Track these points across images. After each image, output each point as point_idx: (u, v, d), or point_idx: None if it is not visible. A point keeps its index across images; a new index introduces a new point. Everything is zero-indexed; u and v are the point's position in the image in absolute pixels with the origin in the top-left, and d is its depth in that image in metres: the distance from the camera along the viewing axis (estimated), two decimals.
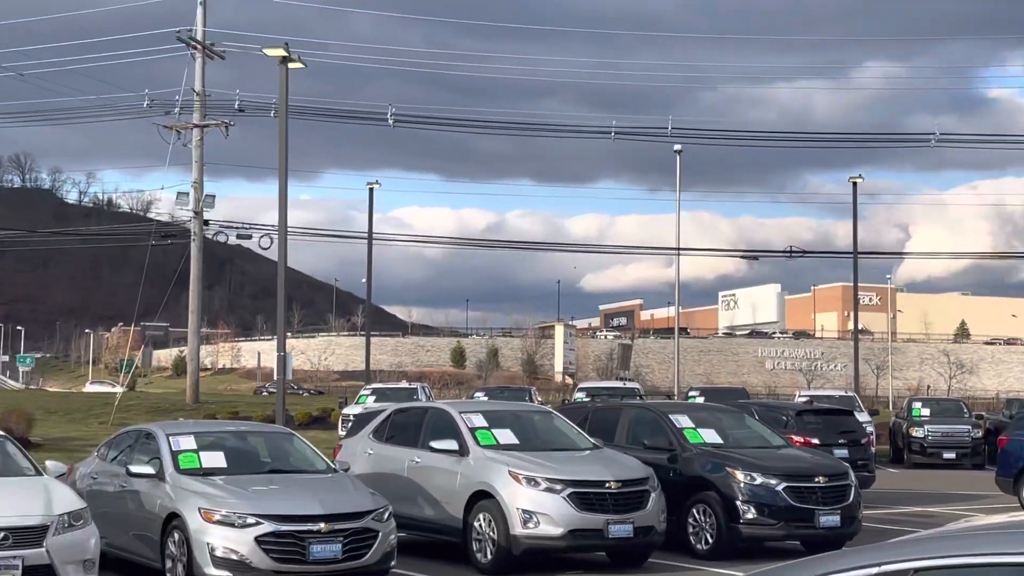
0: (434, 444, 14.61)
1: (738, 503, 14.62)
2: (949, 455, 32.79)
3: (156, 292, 56.93)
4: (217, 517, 11.80)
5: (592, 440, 15.25)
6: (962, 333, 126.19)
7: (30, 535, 11.00)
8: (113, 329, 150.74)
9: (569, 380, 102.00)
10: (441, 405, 16.21)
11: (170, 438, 13.27)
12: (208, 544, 11.75)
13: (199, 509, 11.93)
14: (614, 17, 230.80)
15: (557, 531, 13.39)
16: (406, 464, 15.04)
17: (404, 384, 43.85)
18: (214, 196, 48.72)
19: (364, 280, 60.17)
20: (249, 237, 48.87)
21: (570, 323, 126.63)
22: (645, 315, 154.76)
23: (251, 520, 11.72)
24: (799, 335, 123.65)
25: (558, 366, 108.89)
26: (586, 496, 13.54)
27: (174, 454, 12.98)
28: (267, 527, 11.68)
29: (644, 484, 14.08)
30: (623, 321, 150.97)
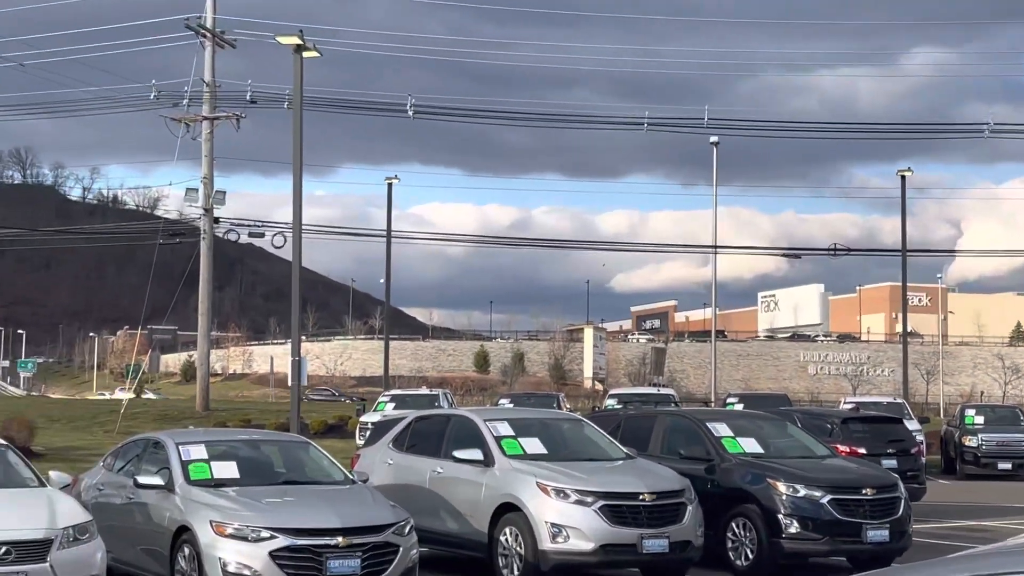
0: (457, 454, 14.62)
1: (780, 516, 14.56)
2: (1004, 465, 32.60)
3: (164, 293, 57.23)
4: (229, 531, 11.84)
5: (625, 449, 15.23)
6: (1018, 335, 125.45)
7: (33, 550, 11.06)
8: (118, 332, 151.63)
9: (599, 386, 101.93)
10: (465, 412, 16.22)
11: (180, 447, 13.32)
12: (220, 559, 11.79)
13: (210, 522, 11.97)
14: (647, 1, 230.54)
15: (588, 546, 13.37)
16: (428, 475, 15.06)
17: (425, 390, 43.88)
18: (225, 192, 48.93)
19: (382, 280, 60.44)
20: (261, 235, 49.05)
21: (600, 326, 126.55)
22: (680, 317, 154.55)
23: (265, 534, 11.74)
24: (844, 338, 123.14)
25: (587, 371, 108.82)
26: (619, 509, 13.52)
27: (184, 464, 13.03)
28: (282, 541, 11.71)
29: (680, 496, 14.05)
30: (656, 324, 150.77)
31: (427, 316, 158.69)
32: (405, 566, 12.26)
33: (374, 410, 35.78)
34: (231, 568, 11.75)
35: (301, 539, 11.75)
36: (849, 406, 32.33)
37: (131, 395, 51.85)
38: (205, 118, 48.16)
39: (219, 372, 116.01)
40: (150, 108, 49.86)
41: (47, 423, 42.36)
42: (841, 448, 18.96)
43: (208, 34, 47.82)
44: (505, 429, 14.85)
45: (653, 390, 43.63)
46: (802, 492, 14.64)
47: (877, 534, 14.70)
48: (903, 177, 47.44)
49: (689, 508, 14.01)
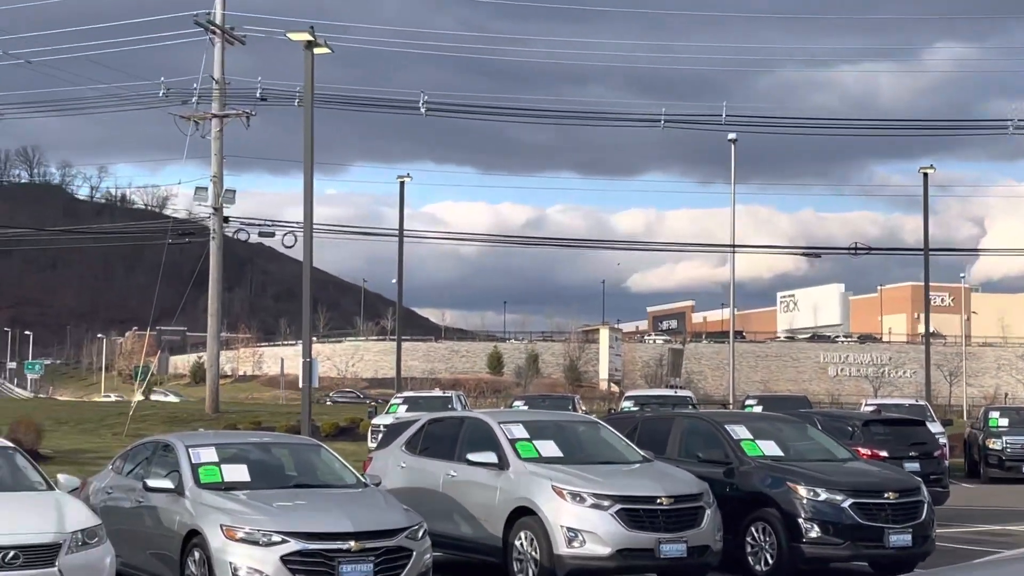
0: (471, 457, 14.62)
1: (800, 521, 14.53)
2: None
3: (173, 294, 57.42)
4: (240, 535, 11.85)
5: (642, 452, 15.22)
6: None
7: (42, 554, 11.10)
8: (127, 334, 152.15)
9: (615, 388, 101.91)
10: (479, 415, 16.22)
11: (190, 450, 13.35)
12: (231, 564, 11.81)
13: (221, 526, 11.99)
14: None
15: (604, 551, 13.37)
16: (441, 478, 15.07)
17: (438, 392, 43.95)
18: (234, 191, 49.06)
19: (394, 280, 60.57)
20: (272, 235, 49.08)
21: (616, 326, 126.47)
22: (697, 317, 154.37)
23: (276, 538, 11.76)
24: (865, 339, 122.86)
25: (603, 373, 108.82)
26: (636, 513, 13.51)
27: (194, 467, 13.05)
28: (293, 545, 11.72)
29: (698, 500, 14.04)
30: (673, 324, 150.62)
31: (440, 317, 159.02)
32: (419, 571, 12.26)
33: (386, 412, 35.83)
34: (242, 573, 11.76)
35: (313, 543, 11.77)
36: (870, 408, 32.28)
37: (140, 397, 51.87)
38: (215, 116, 48.27)
39: (229, 374, 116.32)
40: (159, 106, 50.04)
41: (55, 425, 42.49)
42: (862, 451, 18.93)
43: (217, 30, 47.93)
44: (520, 432, 14.85)
45: (670, 392, 43.61)
46: (823, 496, 14.61)
47: (900, 539, 14.66)
48: (925, 175, 47.33)
49: (707, 512, 13.99)
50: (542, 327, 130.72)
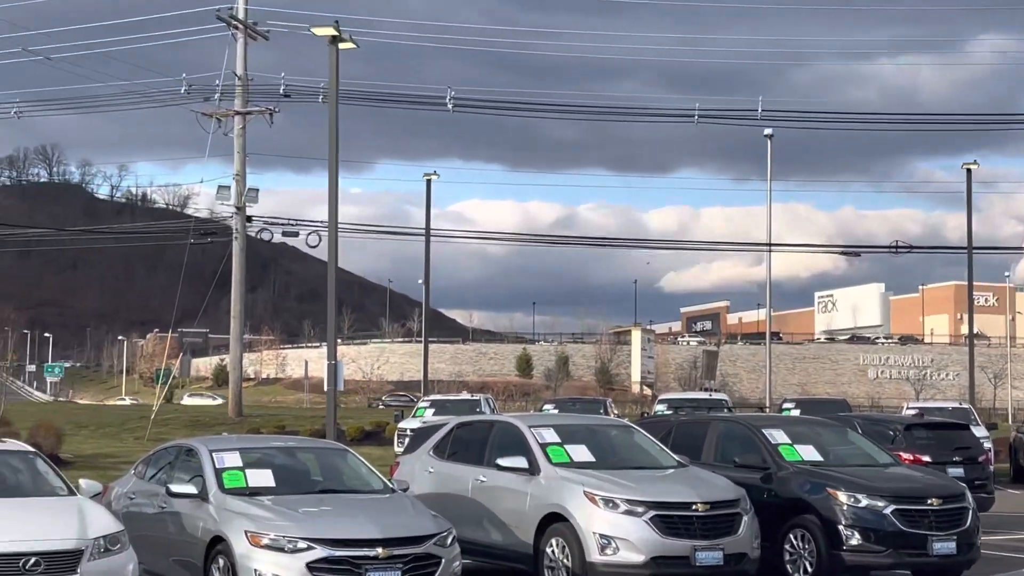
0: (501, 462, 14.62)
1: (841, 528, 14.47)
2: None
3: (194, 295, 57.66)
4: (265, 541, 11.89)
5: (676, 457, 15.19)
6: None
7: (64, 561, 11.15)
8: (148, 336, 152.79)
9: (648, 391, 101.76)
10: (509, 419, 16.21)
11: (213, 454, 13.41)
12: (255, 571, 11.85)
13: (246, 532, 12.03)
14: None
15: (638, 558, 13.34)
16: (470, 483, 15.08)
17: (465, 395, 43.99)
18: (257, 190, 49.16)
19: (421, 281, 60.69)
20: (296, 234, 49.20)
21: (648, 327, 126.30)
22: (732, 318, 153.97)
23: (302, 544, 11.79)
24: (906, 340, 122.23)
25: (635, 375, 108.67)
26: (671, 519, 13.48)
27: (218, 472, 13.11)
28: (320, 552, 11.75)
29: (735, 506, 14.00)
30: (707, 325, 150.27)
31: (467, 318, 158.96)
32: None
33: (413, 416, 35.89)
34: None
35: (339, 550, 11.79)
36: (912, 412, 32.11)
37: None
38: (237, 113, 48.42)
39: (252, 376, 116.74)
40: (180, 103, 50.19)
41: (75, 429, 42.76)
42: (904, 456, 18.84)
43: (240, 25, 48.09)
44: (551, 436, 14.84)
45: (705, 395, 43.54)
46: (864, 502, 14.55)
47: (943, 546, 14.57)
48: (968, 171, 47.04)
49: (745, 519, 13.95)
50: (572, 328, 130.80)
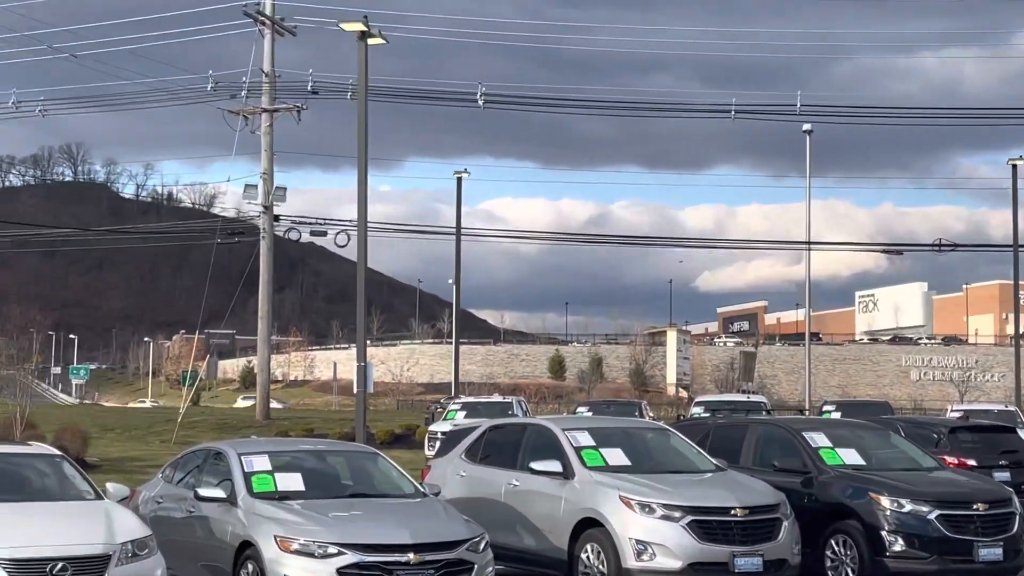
0: (535, 465, 14.63)
1: (884, 533, 14.42)
2: None
3: (221, 296, 57.96)
4: (295, 546, 11.94)
5: (714, 461, 15.17)
6: None
7: (91, 566, 11.22)
8: (174, 337, 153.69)
9: (683, 393, 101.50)
10: (542, 422, 16.24)
11: (242, 458, 13.46)
12: None
13: (275, 537, 12.08)
14: None
15: (675, 564, 13.33)
16: (503, 488, 15.09)
17: (497, 398, 44.04)
18: (285, 189, 49.31)
19: (451, 281, 60.71)
20: (324, 234, 49.37)
21: (684, 328, 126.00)
22: (770, 318, 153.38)
23: (332, 550, 11.82)
24: (949, 341, 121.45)
25: (671, 377, 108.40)
26: (709, 525, 13.47)
27: (247, 476, 13.16)
28: (350, 557, 11.78)
29: (775, 511, 13.97)
30: (745, 326, 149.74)
31: (498, 319, 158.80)
32: None
33: (444, 419, 35.95)
34: None
35: (370, 555, 11.82)
36: (957, 414, 31.91)
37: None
38: (264, 110, 48.59)
39: (279, 379, 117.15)
40: (207, 100, 50.44)
41: (101, 432, 43.04)
42: (949, 460, 18.71)
43: (267, 21, 48.26)
44: (585, 439, 14.84)
45: (742, 397, 43.43)
46: (908, 507, 14.48)
47: (989, 552, 14.50)
48: (1014, 166, 46.81)
49: (785, 524, 13.92)
50: (606, 329, 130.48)
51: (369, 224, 30.64)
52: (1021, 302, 52.75)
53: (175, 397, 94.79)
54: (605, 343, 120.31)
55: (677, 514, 13.43)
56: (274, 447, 14.97)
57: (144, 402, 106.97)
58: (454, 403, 39.09)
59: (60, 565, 11.05)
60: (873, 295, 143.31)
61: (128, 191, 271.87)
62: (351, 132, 30.16)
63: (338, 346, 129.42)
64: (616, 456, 14.66)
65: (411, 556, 11.86)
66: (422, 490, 13.82)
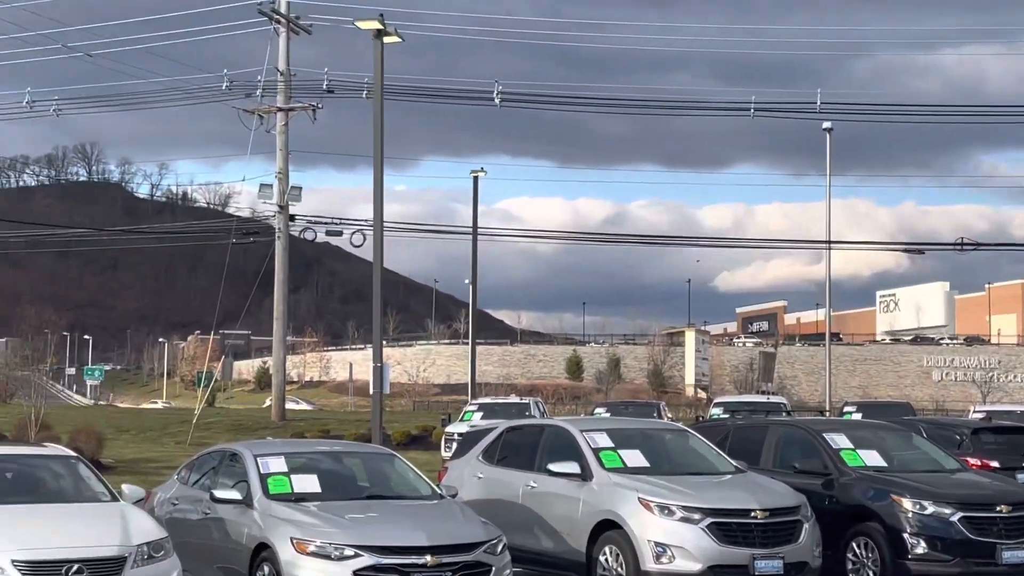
0: (552, 467, 14.64)
1: (906, 536, 14.39)
2: None
3: (236, 296, 58.04)
4: (311, 548, 11.96)
5: (734, 463, 15.15)
6: None
7: (107, 568, 11.26)
8: (189, 338, 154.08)
9: (702, 394, 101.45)
10: (560, 423, 16.24)
11: (258, 459, 13.50)
12: None
13: (291, 539, 12.11)
14: None
15: (695, 567, 13.32)
16: (521, 489, 15.10)
17: (514, 399, 44.04)
18: (300, 188, 49.36)
19: (467, 281, 60.64)
20: (339, 234, 49.43)
21: (703, 328, 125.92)
22: (790, 318, 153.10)
23: (349, 552, 11.84)
24: (972, 341, 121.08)
25: (689, 378, 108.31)
26: (728, 527, 13.45)
27: (263, 477, 13.19)
28: (367, 560, 11.80)
29: (796, 513, 13.95)
30: (764, 326, 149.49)
31: (515, 319, 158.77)
32: None
33: (460, 420, 35.97)
34: None
35: (387, 558, 11.83)
36: (980, 415, 31.83)
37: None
38: (280, 109, 48.68)
39: (295, 379, 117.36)
40: (222, 99, 50.55)
41: (115, 434, 43.14)
42: (972, 461, 18.66)
43: (282, 20, 48.35)
44: (604, 440, 14.85)
45: (762, 398, 43.40)
46: (930, 509, 14.45)
47: (1014, 555, 14.45)
48: None
49: (805, 526, 13.90)
50: (624, 329, 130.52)
51: (385, 224, 30.67)
52: None
53: (190, 398, 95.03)
54: (623, 343, 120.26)
55: (696, 516, 13.42)
56: (290, 448, 14.99)
57: (156, 403, 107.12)
58: (471, 404, 39.12)
59: (76, 567, 11.08)
60: (894, 295, 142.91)
61: (143, 191, 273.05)
62: (367, 131, 30.23)
63: (354, 347, 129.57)
64: (635, 457, 14.66)
65: (428, 558, 11.87)
66: (439, 492, 13.83)
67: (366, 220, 39.64)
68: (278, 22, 48.36)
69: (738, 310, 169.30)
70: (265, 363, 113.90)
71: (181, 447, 39.62)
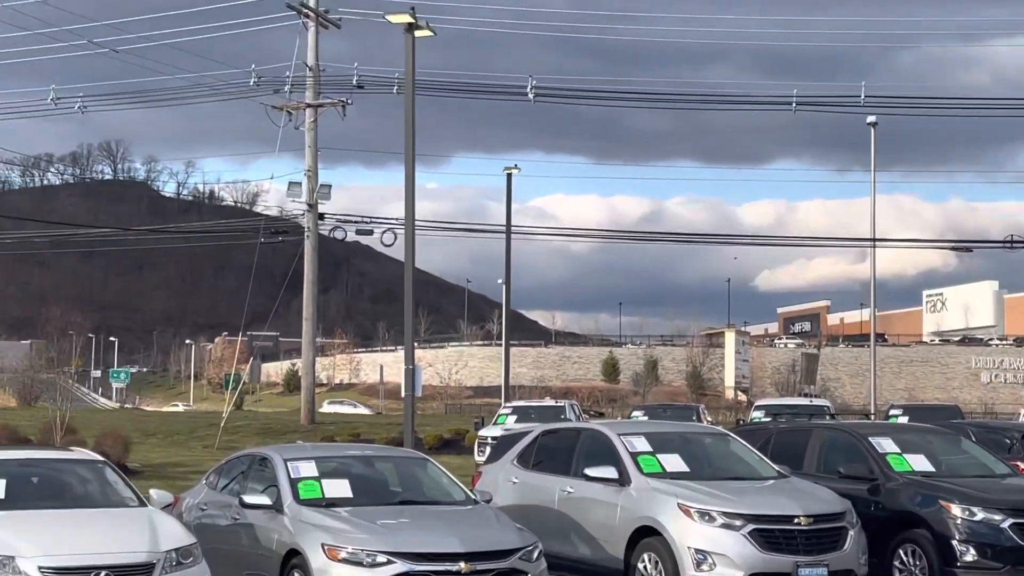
0: (589, 472, 14.64)
1: (954, 543, 14.32)
2: None
3: (264, 297, 58.26)
4: (343, 555, 11.99)
5: (776, 467, 15.11)
6: None
7: (135, 574, 11.32)
8: (216, 339, 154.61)
9: (742, 396, 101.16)
10: (597, 426, 16.24)
11: (288, 464, 13.53)
12: None
13: (322, 545, 12.13)
14: None
15: (737, 575, 13.29)
16: (557, 495, 15.11)
17: (549, 401, 44.02)
18: (330, 186, 49.47)
19: (501, 281, 60.62)
20: (370, 233, 49.48)
21: (743, 329, 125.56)
22: (833, 319, 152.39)
23: (381, 559, 11.86)
24: (1022, 342, 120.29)
25: (729, 380, 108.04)
26: (771, 534, 13.41)
27: (293, 482, 13.23)
28: (400, 567, 11.81)
29: (840, 520, 13.91)
30: (806, 326, 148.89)
31: (550, 320, 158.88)
32: None
33: (494, 423, 35.98)
34: None
35: (420, 565, 11.85)
36: None
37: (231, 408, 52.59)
38: (308, 105, 48.81)
39: (324, 382, 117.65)
40: (250, 96, 50.79)
41: (142, 437, 43.35)
42: (1023, 466, 18.55)
43: (311, 14, 48.50)
44: (642, 444, 14.83)
45: (804, 401, 43.16)
46: (979, 515, 14.37)
47: None
48: None
49: (851, 533, 13.86)
50: (661, 330, 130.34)
51: (416, 222, 30.71)
52: None
53: (217, 401, 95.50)
54: (660, 345, 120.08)
55: (738, 522, 13.39)
56: (320, 453, 15.03)
57: (176, 406, 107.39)
58: (504, 407, 39.13)
59: (103, 574, 11.15)
60: (941, 294, 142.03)
61: (169, 189, 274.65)
62: (397, 127, 30.24)
63: (384, 348, 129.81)
64: (674, 462, 14.63)
65: (462, 565, 11.87)
66: (473, 497, 13.84)
67: (397, 218, 39.80)
68: (307, 16, 48.49)
69: (779, 310, 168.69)
70: (294, 365, 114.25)
71: (209, 451, 39.79)
